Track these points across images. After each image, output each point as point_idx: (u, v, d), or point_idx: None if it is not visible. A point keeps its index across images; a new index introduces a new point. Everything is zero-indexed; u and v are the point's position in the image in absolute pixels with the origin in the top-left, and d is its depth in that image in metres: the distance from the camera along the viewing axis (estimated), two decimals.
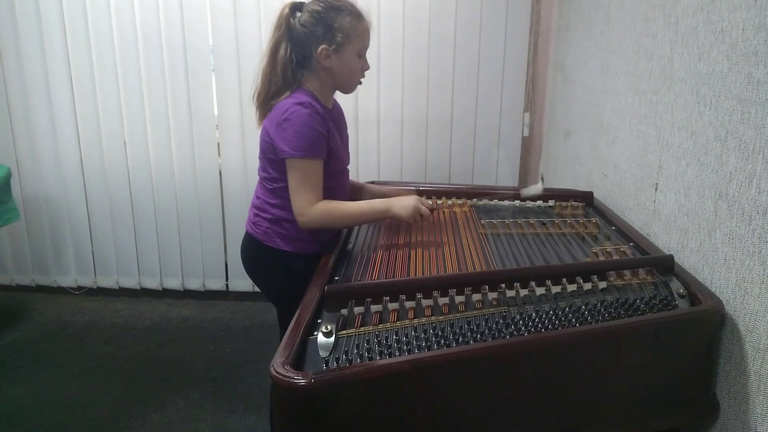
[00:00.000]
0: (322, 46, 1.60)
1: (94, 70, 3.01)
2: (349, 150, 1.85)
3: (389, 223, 1.81)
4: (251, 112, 1.72)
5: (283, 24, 1.62)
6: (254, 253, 1.76)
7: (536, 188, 1.91)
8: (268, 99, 1.65)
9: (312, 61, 1.63)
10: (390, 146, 3.09)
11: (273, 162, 1.63)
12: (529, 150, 3.17)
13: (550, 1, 2.93)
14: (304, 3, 1.64)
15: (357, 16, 1.62)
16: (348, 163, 1.79)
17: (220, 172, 3.16)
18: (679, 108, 1.46)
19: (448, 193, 2.04)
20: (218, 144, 3.13)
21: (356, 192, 1.93)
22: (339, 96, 1.81)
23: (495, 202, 1.98)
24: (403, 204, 1.63)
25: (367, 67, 1.70)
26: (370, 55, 1.71)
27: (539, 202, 1.97)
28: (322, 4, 1.60)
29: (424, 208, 1.64)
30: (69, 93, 3.06)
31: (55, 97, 3.06)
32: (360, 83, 1.72)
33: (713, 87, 1.29)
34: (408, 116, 3.05)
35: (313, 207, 1.58)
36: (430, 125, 3.07)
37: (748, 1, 1.17)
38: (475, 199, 2.00)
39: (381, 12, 2.89)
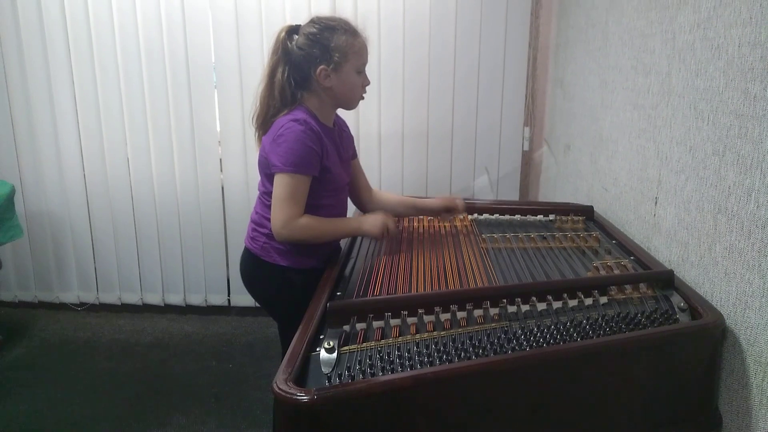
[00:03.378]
0: (321, 66, 1.61)
1: (97, 86, 3.04)
2: None
3: (390, 237, 1.81)
4: (253, 129, 1.74)
5: (279, 48, 1.63)
6: (252, 268, 1.76)
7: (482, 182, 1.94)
8: (267, 121, 1.67)
9: (311, 82, 1.64)
10: (391, 160, 3.11)
11: (270, 177, 1.64)
12: (529, 164, 3.18)
13: (549, 18, 2.96)
14: (300, 26, 1.65)
15: (352, 33, 1.64)
16: (347, 181, 1.80)
17: (223, 188, 3.17)
18: (678, 123, 1.47)
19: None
20: (220, 160, 3.14)
21: (410, 209, 1.96)
22: (341, 112, 1.82)
23: (496, 216, 1.99)
24: (371, 222, 1.69)
25: (368, 83, 1.71)
26: (370, 70, 1.73)
27: (539, 216, 1.98)
28: (317, 26, 1.62)
29: (391, 224, 1.70)
30: (72, 109, 3.08)
31: (59, 113, 3.08)
32: (362, 98, 1.74)
33: (711, 102, 1.31)
34: (408, 130, 3.07)
35: (292, 222, 1.58)
36: (431, 139, 3.09)
37: (743, 18, 1.18)
38: (476, 214, 2.01)
39: (381, 27, 2.92)
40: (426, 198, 2.01)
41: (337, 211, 1.76)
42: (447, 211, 1.92)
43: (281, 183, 1.58)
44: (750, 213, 1.16)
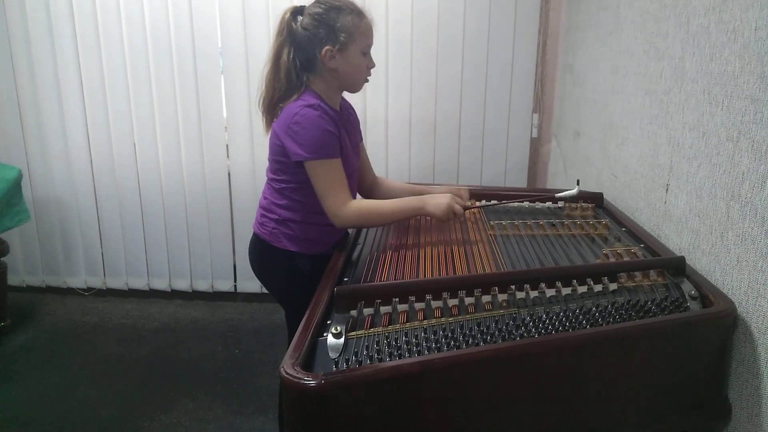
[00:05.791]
0: (326, 47, 1.59)
1: (104, 72, 3.03)
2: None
3: (398, 223, 1.81)
4: (260, 114, 1.72)
5: (284, 29, 1.61)
6: (261, 253, 1.76)
7: (571, 192, 1.88)
8: (273, 104, 1.65)
9: (317, 63, 1.63)
10: (398, 147, 3.09)
11: (282, 164, 1.63)
12: (537, 151, 3.16)
13: (559, 2, 2.93)
14: (304, 7, 1.64)
15: (358, 14, 1.62)
16: (357, 165, 1.79)
17: (229, 174, 3.17)
18: (691, 108, 1.45)
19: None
20: (227, 146, 3.14)
21: (374, 187, 1.94)
22: (348, 97, 1.81)
23: (504, 203, 1.98)
24: (437, 202, 1.63)
25: (373, 65, 1.69)
26: (379, 56, 1.71)
27: (549, 204, 1.96)
28: (322, 6, 1.60)
29: (457, 207, 1.64)
30: (79, 95, 3.08)
31: (66, 99, 3.08)
32: (367, 81, 1.72)
33: (725, 87, 1.28)
34: (416, 117, 3.05)
35: (346, 206, 1.58)
36: (439, 126, 3.07)
37: (761, 0, 1.16)
38: (483, 201, 1.99)
39: (389, 14, 2.89)
40: (432, 186, 1.99)
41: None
42: None
43: (317, 172, 1.57)
44: (764, 200, 1.14)
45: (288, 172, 1.63)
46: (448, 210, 1.62)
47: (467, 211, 1.75)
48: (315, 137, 1.54)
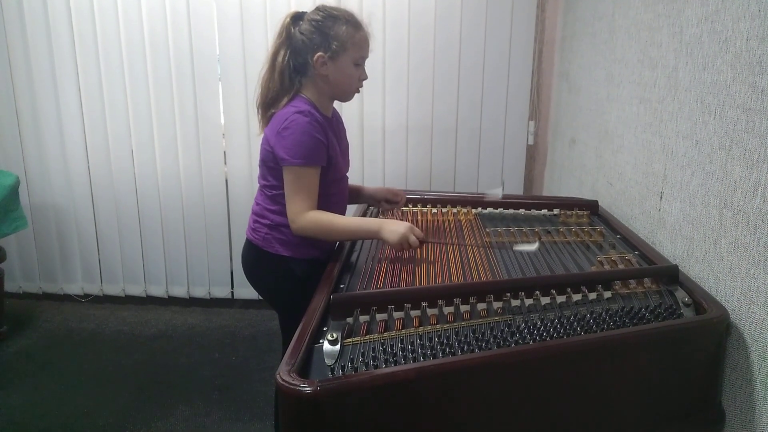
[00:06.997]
0: (318, 53, 1.62)
1: (102, 78, 3.04)
2: (354, 157, 1.86)
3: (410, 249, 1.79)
4: (257, 120, 1.74)
5: (284, 32, 1.65)
6: (254, 259, 1.77)
7: (496, 192, 1.93)
8: (267, 104, 1.68)
9: (309, 68, 1.66)
10: (395, 154, 3.10)
11: (272, 170, 1.65)
12: (534, 158, 3.17)
13: (555, 11, 2.95)
14: (306, 12, 1.67)
15: (354, 25, 1.65)
16: (347, 171, 1.80)
17: (226, 180, 3.18)
18: (684, 117, 1.46)
19: (453, 201, 2.04)
20: (224, 152, 3.15)
21: (354, 195, 1.96)
22: (342, 104, 1.82)
23: (500, 210, 1.99)
24: (393, 229, 1.56)
25: (365, 77, 1.72)
26: (375, 63, 1.73)
27: (544, 211, 1.97)
28: (321, 14, 1.64)
29: (413, 238, 1.55)
30: (77, 101, 3.09)
31: (64, 106, 3.09)
32: (358, 92, 1.74)
33: (718, 96, 1.30)
34: (413, 124, 3.06)
35: (305, 214, 1.59)
36: (435, 133, 3.08)
37: (752, 11, 1.17)
38: (479, 208, 2.00)
39: (386, 18, 2.91)
40: (371, 187, 2.03)
41: (339, 201, 1.76)
42: (387, 201, 1.96)
43: (291, 176, 1.59)
44: (756, 208, 1.15)
45: (279, 178, 1.65)
46: (402, 239, 1.54)
47: (424, 244, 1.63)
48: (301, 142, 1.56)
